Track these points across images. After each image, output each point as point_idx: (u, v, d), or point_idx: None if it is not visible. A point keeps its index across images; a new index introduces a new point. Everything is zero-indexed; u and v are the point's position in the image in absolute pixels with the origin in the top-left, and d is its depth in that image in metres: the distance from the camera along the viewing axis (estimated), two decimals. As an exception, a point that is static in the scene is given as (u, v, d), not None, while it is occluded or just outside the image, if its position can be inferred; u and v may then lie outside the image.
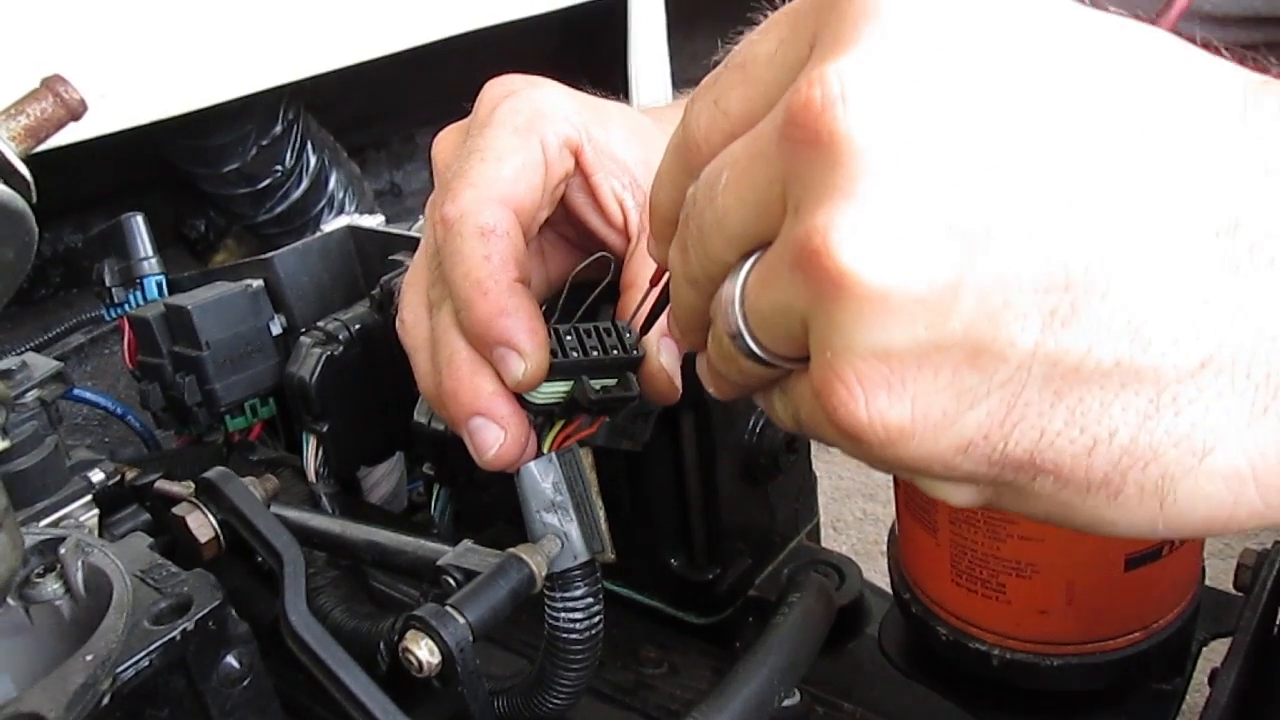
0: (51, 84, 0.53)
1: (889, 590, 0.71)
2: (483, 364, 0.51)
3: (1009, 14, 0.31)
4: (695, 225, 0.36)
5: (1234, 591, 0.67)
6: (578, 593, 0.55)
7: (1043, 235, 0.29)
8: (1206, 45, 0.32)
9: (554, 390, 0.51)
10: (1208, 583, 0.67)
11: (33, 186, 0.52)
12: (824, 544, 0.87)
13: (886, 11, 0.31)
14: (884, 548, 0.71)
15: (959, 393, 0.31)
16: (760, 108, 0.35)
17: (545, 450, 0.53)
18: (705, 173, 0.36)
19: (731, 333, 0.35)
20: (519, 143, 0.54)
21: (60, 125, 0.54)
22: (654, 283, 0.49)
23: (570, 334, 0.51)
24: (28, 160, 0.52)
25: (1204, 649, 0.68)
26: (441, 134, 0.59)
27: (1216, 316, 0.29)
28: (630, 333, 0.52)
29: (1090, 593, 0.58)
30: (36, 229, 0.52)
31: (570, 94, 0.58)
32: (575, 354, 0.51)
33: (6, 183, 0.50)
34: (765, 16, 0.37)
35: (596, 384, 0.51)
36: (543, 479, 0.53)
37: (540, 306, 0.51)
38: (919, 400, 0.31)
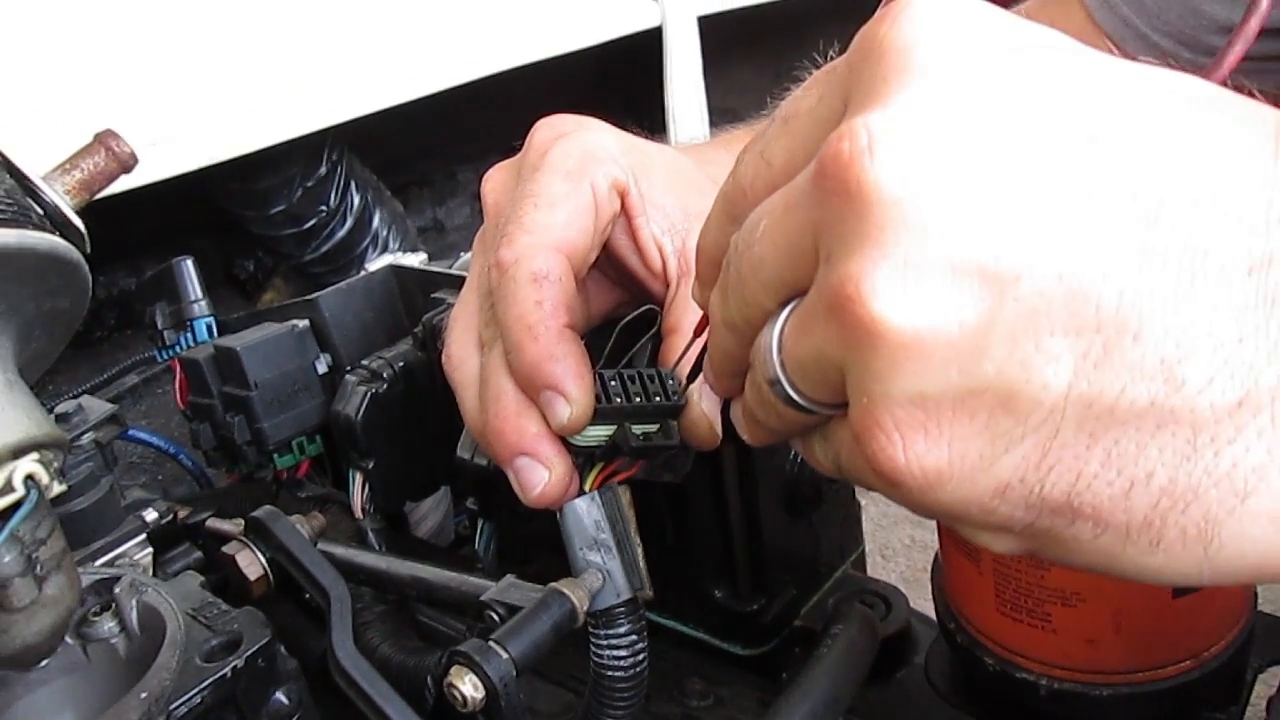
0: (104, 138, 0.55)
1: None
2: (529, 405, 0.52)
3: (1036, 68, 0.32)
4: (735, 270, 0.37)
5: (1289, 617, 0.66)
6: (622, 629, 0.55)
7: (1072, 277, 0.30)
8: (1239, 88, 0.33)
9: (597, 433, 0.52)
10: (1261, 607, 0.66)
11: (86, 238, 0.53)
12: (872, 572, 0.86)
13: (917, 68, 0.32)
14: (930, 576, 0.71)
15: (994, 436, 0.31)
16: (799, 159, 0.36)
17: (586, 489, 0.54)
18: (746, 221, 0.37)
19: (770, 379, 0.36)
20: (570, 188, 0.55)
21: (112, 178, 0.55)
22: (699, 331, 0.50)
23: (615, 380, 0.52)
24: (81, 212, 0.54)
25: (1260, 676, 0.67)
26: (490, 172, 0.60)
27: (1252, 354, 0.29)
28: (673, 379, 0.53)
29: (1138, 621, 0.57)
30: (90, 278, 0.54)
31: (617, 135, 0.59)
32: (619, 399, 0.52)
33: (62, 235, 0.52)
34: (810, 73, 0.38)
35: (639, 430, 0.52)
36: (585, 517, 0.54)
37: (582, 340, 0.52)
38: (955, 444, 0.31)
